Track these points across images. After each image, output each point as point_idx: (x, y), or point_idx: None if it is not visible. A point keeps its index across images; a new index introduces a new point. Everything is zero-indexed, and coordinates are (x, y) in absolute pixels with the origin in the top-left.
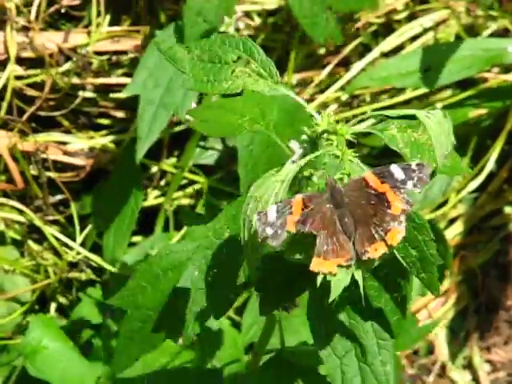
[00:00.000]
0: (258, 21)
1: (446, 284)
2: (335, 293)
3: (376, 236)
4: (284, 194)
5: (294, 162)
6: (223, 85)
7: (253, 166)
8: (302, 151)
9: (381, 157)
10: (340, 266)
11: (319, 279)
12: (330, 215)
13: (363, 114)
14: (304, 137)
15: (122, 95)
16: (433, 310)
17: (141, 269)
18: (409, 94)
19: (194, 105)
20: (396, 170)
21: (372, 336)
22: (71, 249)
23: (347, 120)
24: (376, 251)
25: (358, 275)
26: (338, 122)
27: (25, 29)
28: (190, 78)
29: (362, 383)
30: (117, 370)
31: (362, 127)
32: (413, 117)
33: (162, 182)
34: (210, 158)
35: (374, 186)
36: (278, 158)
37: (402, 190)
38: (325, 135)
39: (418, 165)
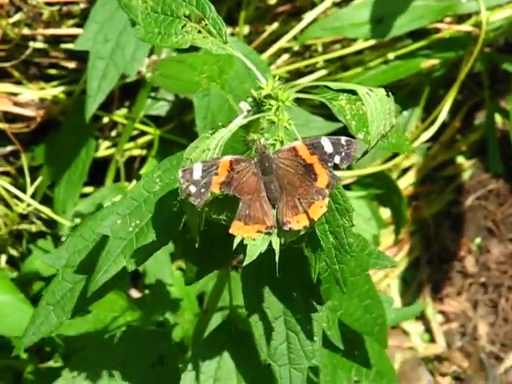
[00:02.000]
0: None
1: (400, 234)
2: (250, 257)
3: (299, 207)
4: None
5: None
6: (173, 38)
7: (211, 118)
8: (249, 113)
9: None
10: (260, 232)
11: (236, 241)
12: (257, 181)
13: (315, 63)
14: (250, 99)
15: (72, 47)
16: None
17: (78, 230)
18: (361, 45)
19: (146, 60)
20: (326, 142)
21: (303, 305)
22: (22, 201)
23: (299, 70)
24: (298, 223)
25: (276, 244)
26: (280, 81)
27: None
28: (141, 28)
29: (287, 352)
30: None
31: (309, 84)
32: (355, 91)
33: (113, 133)
34: (161, 108)
35: (304, 156)
36: (235, 113)
37: (329, 164)
38: (268, 99)
39: (347, 141)
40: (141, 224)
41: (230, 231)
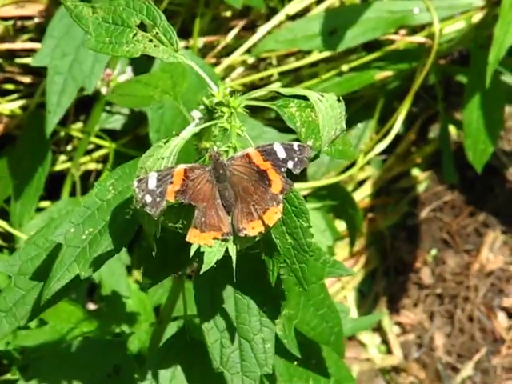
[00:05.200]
0: None
1: (356, 246)
2: (207, 264)
3: (254, 214)
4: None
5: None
6: (124, 48)
7: (165, 131)
8: (200, 121)
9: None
10: (216, 239)
11: (193, 249)
12: (211, 188)
13: (270, 76)
14: (202, 107)
15: (29, 62)
16: None
17: (32, 238)
18: (315, 57)
19: (101, 74)
20: (278, 148)
21: (256, 312)
22: None
23: (254, 83)
24: (253, 229)
25: (232, 250)
26: (233, 93)
27: None
28: (92, 38)
29: (240, 359)
30: None
31: (261, 92)
32: (306, 97)
33: (69, 147)
34: (116, 122)
35: (257, 162)
36: (189, 125)
37: (283, 169)
38: (219, 107)
39: (299, 146)
40: (94, 232)
41: (187, 239)
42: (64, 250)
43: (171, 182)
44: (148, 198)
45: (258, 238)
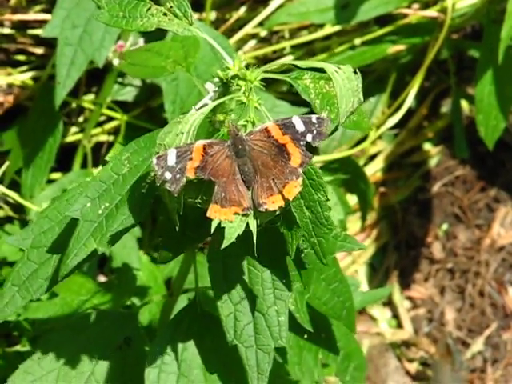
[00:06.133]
0: None
1: (367, 221)
2: (228, 240)
3: (274, 188)
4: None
5: (205, 103)
6: (138, 21)
7: (180, 102)
8: (215, 94)
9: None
10: (237, 213)
11: (214, 224)
12: (231, 163)
13: (282, 49)
14: (216, 80)
15: (40, 33)
16: None
17: (45, 211)
18: (328, 30)
19: (112, 47)
20: (297, 121)
21: (270, 285)
22: None
23: (266, 56)
24: (273, 204)
25: (253, 225)
26: (248, 67)
27: None
28: (105, 12)
29: (254, 332)
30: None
31: (276, 65)
32: (322, 70)
33: (81, 119)
34: (128, 94)
35: (276, 136)
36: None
37: (302, 143)
38: (235, 80)
39: (318, 118)
40: (110, 206)
41: (207, 215)
42: (80, 225)
43: (191, 159)
44: (168, 175)
45: (277, 213)
